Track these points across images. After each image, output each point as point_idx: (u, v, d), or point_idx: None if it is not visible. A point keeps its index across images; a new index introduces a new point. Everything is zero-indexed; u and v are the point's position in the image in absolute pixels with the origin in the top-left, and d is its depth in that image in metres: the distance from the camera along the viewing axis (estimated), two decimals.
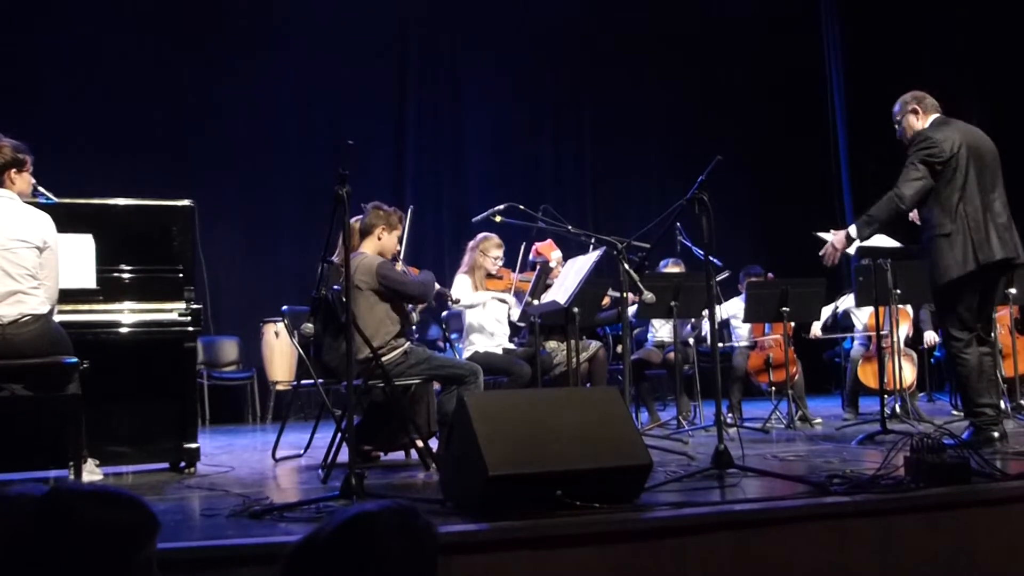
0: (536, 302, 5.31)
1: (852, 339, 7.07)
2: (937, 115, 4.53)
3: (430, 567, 1.43)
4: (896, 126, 4.66)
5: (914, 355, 6.80)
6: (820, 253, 4.65)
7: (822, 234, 5.49)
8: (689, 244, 6.06)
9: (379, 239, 4.68)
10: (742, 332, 6.88)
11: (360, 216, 4.77)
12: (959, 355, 4.34)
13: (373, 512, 1.41)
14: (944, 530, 3.05)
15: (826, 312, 6.91)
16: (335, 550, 1.38)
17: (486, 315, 5.59)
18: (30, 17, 8.13)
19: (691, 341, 6.75)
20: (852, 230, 4.54)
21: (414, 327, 5.77)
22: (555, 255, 5.86)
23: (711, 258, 3.89)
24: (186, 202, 4.72)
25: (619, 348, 6.84)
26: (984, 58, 9.55)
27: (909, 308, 6.70)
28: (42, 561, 1.36)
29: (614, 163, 10.13)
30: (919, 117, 4.53)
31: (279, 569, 1.40)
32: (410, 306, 4.80)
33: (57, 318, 4.01)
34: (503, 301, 5.64)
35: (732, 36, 10.14)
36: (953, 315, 4.36)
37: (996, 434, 4.27)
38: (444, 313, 6.85)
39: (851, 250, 5.47)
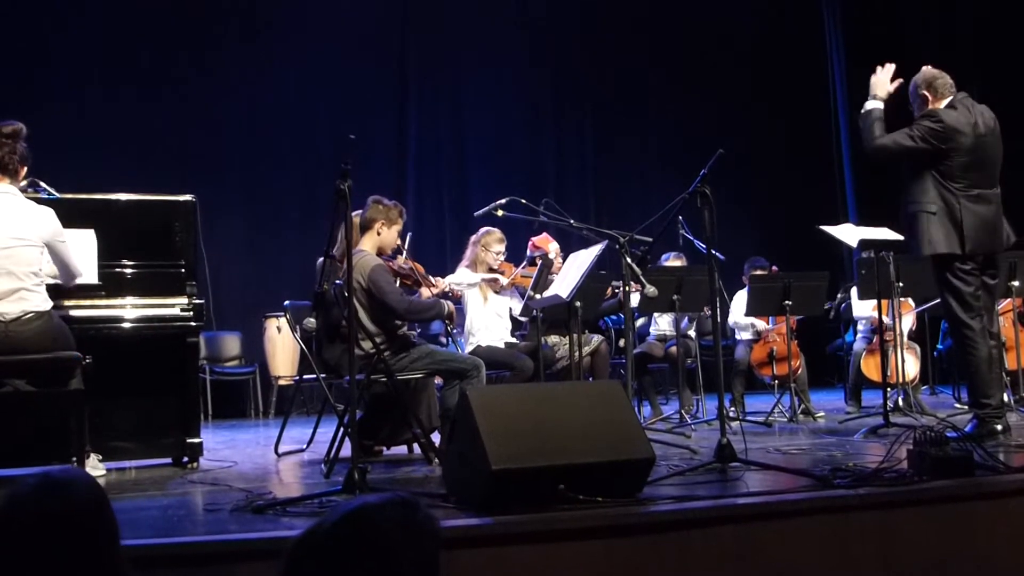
0: (538, 296, 5.29)
1: (855, 332, 7.07)
2: (952, 97, 4.41)
3: (432, 560, 1.43)
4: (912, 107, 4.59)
5: (917, 348, 6.79)
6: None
7: (826, 228, 5.49)
8: (691, 238, 6.05)
9: (378, 234, 4.63)
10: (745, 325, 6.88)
11: (360, 211, 4.74)
12: (971, 344, 4.28)
13: (374, 505, 1.41)
14: (947, 523, 3.04)
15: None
16: (336, 543, 1.37)
17: (488, 309, 5.57)
18: (33, 15, 8.13)
19: (691, 333, 6.74)
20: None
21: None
22: (552, 247, 5.85)
23: (713, 251, 3.89)
24: (188, 197, 4.71)
25: (621, 342, 6.83)
26: (985, 52, 9.51)
27: (911, 301, 6.69)
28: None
29: (616, 156, 10.12)
30: (930, 103, 4.43)
31: (281, 562, 1.40)
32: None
33: (59, 314, 4.01)
34: (495, 280, 5.53)
35: (734, 31, 10.11)
36: (957, 298, 4.31)
37: (999, 427, 4.25)
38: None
39: (853, 243, 5.47)
